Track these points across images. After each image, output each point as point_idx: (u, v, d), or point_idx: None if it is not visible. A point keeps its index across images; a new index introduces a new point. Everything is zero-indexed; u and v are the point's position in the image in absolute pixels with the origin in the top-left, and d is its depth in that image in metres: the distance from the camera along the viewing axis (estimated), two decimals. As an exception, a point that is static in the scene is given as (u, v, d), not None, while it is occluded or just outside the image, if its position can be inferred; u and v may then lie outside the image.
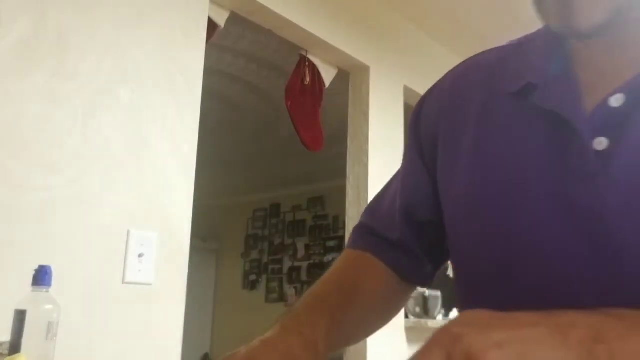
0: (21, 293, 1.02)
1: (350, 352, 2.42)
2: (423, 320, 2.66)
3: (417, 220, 0.71)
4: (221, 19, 2.07)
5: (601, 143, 0.50)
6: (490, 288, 0.60)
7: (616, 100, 0.50)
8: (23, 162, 1.37)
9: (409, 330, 2.63)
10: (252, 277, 6.72)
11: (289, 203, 6.52)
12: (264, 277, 6.62)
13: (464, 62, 0.71)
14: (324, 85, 2.58)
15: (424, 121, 0.70)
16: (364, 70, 2.62)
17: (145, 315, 1.57)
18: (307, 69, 2.50)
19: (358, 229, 0.78)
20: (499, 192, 0.57)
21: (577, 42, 0.55)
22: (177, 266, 1.66)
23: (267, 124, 4.44)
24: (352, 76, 2.69)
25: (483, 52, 0.69)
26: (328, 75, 2.59)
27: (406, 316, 2.66)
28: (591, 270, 0.50)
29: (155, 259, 1.60)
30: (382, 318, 0.74)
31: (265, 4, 2.09)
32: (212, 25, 1.99)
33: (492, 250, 0.58)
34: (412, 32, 2.93)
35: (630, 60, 0.51)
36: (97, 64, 1.54)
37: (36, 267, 1.02)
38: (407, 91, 2.84)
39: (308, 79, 2.49)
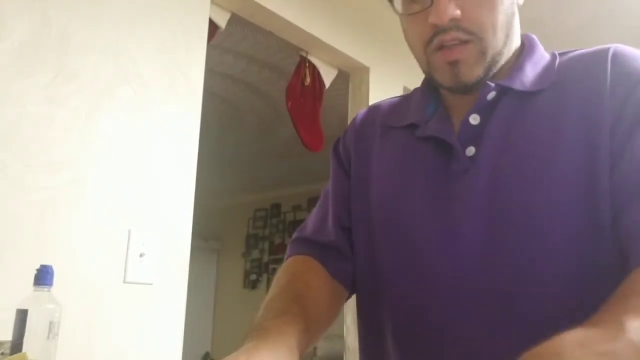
0: (22, 293, 1.03)
1: (350, 351, 2.43)
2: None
3: (346, 226, 0.86)
4: (222, 21, 2.08)
5: (470, 150, 0.73)
6: (371, 283, 0.80)
7: (473, 119, 0.74)
8: (24, 162, 1.38)
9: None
10: (253, 277, 6.72)
11: (289, 203, 6.53)
12: (265, 276, 6.62)
13: (369, 107, 0.94)
14: (324, 86, 2.59)
15: (342, 150, 0.91)
16: (364, 70, 2.63)
17: (146, 314, 1.57)
18: (308, 70, 2.51)
19: (292, 242, 0.90)
20: (391, 197, 0.79)
21: (445, 93, 0.79)
22: (178, 266, 1.67)
23: (267, 125, 4.45)
24: (352, 77, 2.70)
25: (382, 100, 0.93)
26: (328, 76, 2.60)
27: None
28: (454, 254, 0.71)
29: (156, 259, 1.61)
30: (329, 317, 0.81)
31: (265, 6, 2.09)
32: (213, 27, 1.99)
33: (371, 246, 0.80)
34: (412, 32, 2.94)
35: (473, 99, 0.74)
36: (98, 64, 1.55)
37: (37, 266, 1.02)
38: (407, 92, 2.84)
39: (308, 80, 2.50)
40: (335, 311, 0.82)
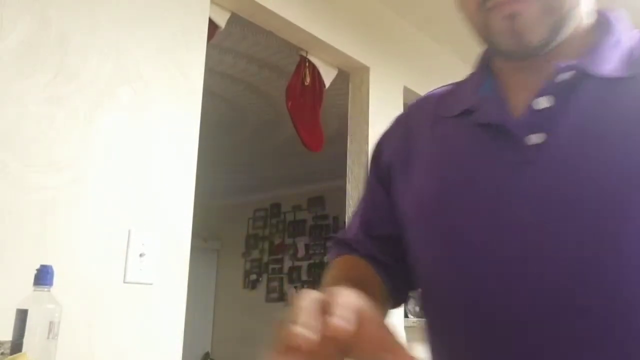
0: (23, 292, 1.03)
1: (350, 351, 2.42)
2: (423, 320, 2.66)
3: (377, 235, 0.82)
4: (222, 20, 2.08)
5: (538, 137, 0.63)
6: (434, 284, 0.72)
7: (538, 104, 0.64)
8: (25, 162, 1.38)
9: (409, 329, 2.64)
10: (253, 277, 6.72)
11: (289, 203, 6.53)
12: (265, 276, 6.62)
13: (418, 99, 0.86)
14: (324, 86, 2.59)
15: (385, 152, 0.84)
16: (364, 70, 2.63)
17: (146, 314, 1.57)
18: (308, 70, 2.50)
19: (336, 242, 0.87)
20: (448, 192, 0.70)
21: (506, 68, 0.71)
22: (178, 266, 1.67)
23: (267, 125, 4.45)
24: (352, 76, 2.70)
25: (430, 91, 0.84)
26: (328, 75, 2.60)
27: (406, 315, 2.67)
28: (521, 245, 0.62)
29: (156, 259, 1.61)
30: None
31: (265, 5, 2.09)
32: (212, 26, 1.99)
33: (434, 245, 0.70)
34: (412, 32, 2.94)
35: (540, 77, 0.66)
36: (98, 64, 1.55)
37: (37, 266, 1.02)
38: (407, 92, 2.84)
39: (308, 80, 2.50)
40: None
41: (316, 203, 6.23)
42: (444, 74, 3.11)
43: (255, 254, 6.81)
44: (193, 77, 1.79)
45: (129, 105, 1.61)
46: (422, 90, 2.89)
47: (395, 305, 0.80)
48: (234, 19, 2.15)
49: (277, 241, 6.62)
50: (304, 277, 6.24)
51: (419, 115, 0.80)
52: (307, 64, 2.51)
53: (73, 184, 1.46)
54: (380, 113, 2.65)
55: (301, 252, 6.34)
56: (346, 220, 2.58)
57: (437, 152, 0.73)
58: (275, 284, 6.49)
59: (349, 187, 2.60)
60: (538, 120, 0.63)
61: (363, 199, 0.87)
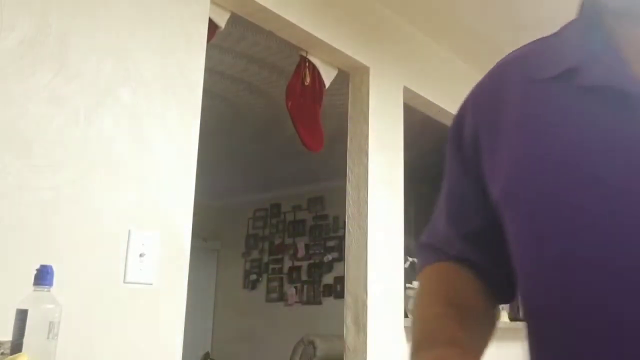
0: (22, 292, 1.03)
1: (350, 351, 2.42)
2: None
3: (469, 231, 0.68)
4: (222, 20, 2.08)
5: None
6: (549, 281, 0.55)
7: None
8: (25, 163, 1.38)
9: (409, 329, 2.63)
10: (253, 277, 6.72)
11: (289, 203, 6.53)
12: (265, 276, 6.62)
13: (499, 62, 0.68)
14: (324, 86, 2.59)
15: (466, 128, 0.67)
16: (364, 70, 2.63)
17: (146, 314, 1.57)
18: (308, 70, 2.50)
19: (423, 247, 0.74)
20: (561, 173, 0.53)
21: (616, 23, 0.55)
22: (178, 266, 1.67)
23: (267, 125, 4.45)
24: (352, 76, 2.70)
25: (517, 49, 0.67)
26: (328, 75, 2.60)
27: (406, 315, 2.67)
28: None
29: (156, 259, 1.61)
30: (488, 329, 0.67)
31: (265, 5, 2.09)
32: (212, 26, 1.99)
33: (554, 232, 0.53)
34: (412, 33, 2.94)
35: None
36: (98, 64, 1.55)
37: (37, 266, 1.02)
38: (407, 92, 2.84)
39: (308, 80, 2.50)
40: (489, 314, 0.68)
41: (316, 203, 6.23)
42: (444, 74, 3.12)
43: (255, 254, 6.81)
44: (193, 77, 1.79)
45: (129, 105, 1.60)
46: (422, 91, 2.89)
47: (503, 303, 0.71)
48: (234, 19, 2.15)
49: (277, 241, 6.62)
50: (304, 277, 6.24)
51: (506, 78, 0.64)
52: (307, 64, 2.51)
53: (73, 184, 1.46)
54: (380, 113, 2.65)
55: (301, 252, 6.34)
56: (346, 220, 2.58)
57: (535, 125, 0.57)
58: (275, 284, 6.49)
59: (349, 187, 2.60)
60: None
61: (445, 190, 0.72)
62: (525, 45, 0.65)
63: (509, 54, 0.67)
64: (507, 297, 0.69)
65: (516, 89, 0.60)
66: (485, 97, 0.66)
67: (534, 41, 0.65)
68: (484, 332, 0.64)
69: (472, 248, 0.68)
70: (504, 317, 3.36)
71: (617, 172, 0.49)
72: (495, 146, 0.61)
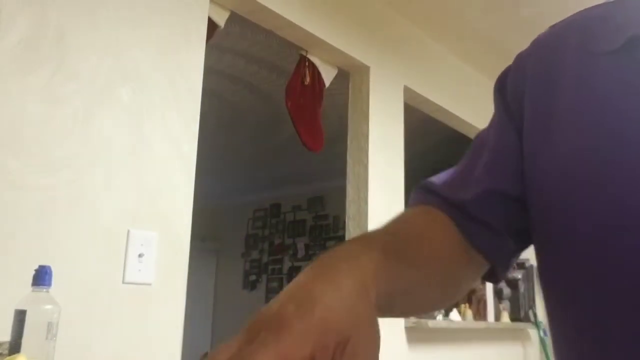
0: (21, 293, 1.03)
1: (350, 352, 2.42)
2: (423, 320, 2.66)
3: (500, 191, 0.58)
4: (221, 19, 2.07)
5: None
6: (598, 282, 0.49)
7: None
8: (23, 162, 1.37)
9: (409, 330, 2.63)
10: (252, 277, 6.72)
11: (289, 203, 6.53)
12: (264, 277, 6.62)
13: (554, 25, 0.61)
14: (324, 85, 2.58)
15: (510, 88, 0.61)
16: (364, 70, 2.63)
17: (145, 315, 1.57)
18: (307, 69, 2.50)
19: (415, 190, 0.65)
20: (619, 160, 0.48)
21: None
22: (177, 266, 1.66)
23: (267, 124, 4.44)
24: (352, 76, 2.70)
25: (578, 12, 0.59)
26: (328, 75, 2.59)
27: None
28: None
29: (155, 259, 1.60)
30: (443, 290, 0.57)
31: (265, 4, 2.09)
32: (212, 26, 1.99)
33: (610, 231, 0.48)
34: (412, 32, 2.94)
35: None
36: (97, 64, 1.55)
37: (36, 267, 1.02)
38: (407, 91, 2.84)
39: (308, 79, 2.49)
40: (466, 278, 0.59)
41: (316, 203, 6.23)
42: (444, 73, 3.11)
43: (254, 254, 6.81)
44: (192, 76, 1.79)
45: (128, 104, 1.60)
46: (422, 90, 2.89)
47: (485, 279, 0.62)
48: (234, 18, 2.15)
49: (276, 241, 6.62)
50: (304, 277, 6.23)
51: (556, 49, 0.57)
52: (307, 64, 2.51)
53: (72, 184, 1.45)
54: (380, 113, 2.64)
55: (301, 253, 6.34)
56: (346, 220, 2.58)
57: (591, 105, 0.52)
58: (275, 284, 6.49)
59: (349, 187, 2.59)
60: None
61: (493, 141, 0.61)
62: (582, 11, 0.59)
63: (568, 20, 0.60)
64: (493, 276, 0.61)
65: (574, 60, 0.55)
66: (536, 63, 0.59)
67: (596, 6, 0.58)
68: (425, 283, 0.53)
69: (491, 205, 0.58)
70: (504, 317, 3.35)
71: None
72: (551, 126, 0.54)
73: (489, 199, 0.58)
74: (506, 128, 0.60)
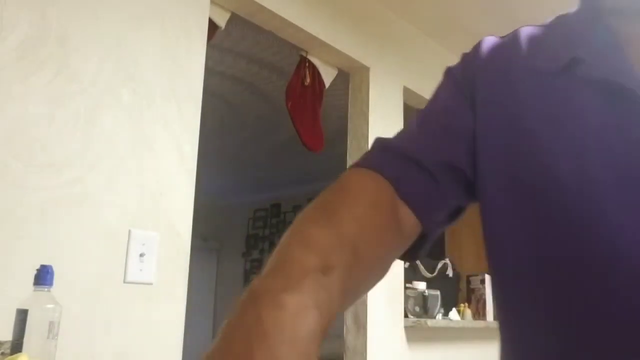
0: (23, 293, 1.03)
1: (350, 351, 2.43)
2: (422, 320, 2.67)
3: (459, 167, 0.60)
4: (222, 20, 2.08)
5: None
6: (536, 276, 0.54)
7: None
8: (25, 163, 1.38)
9: (409, 329, 2.64)
10: (253, 277, 6.69)
11: (289, 203, 6.53)
12: (265, 276, 6.62)
13: (499, 41, 0.66)
14: (324, 86, 2.59)
15: (463, 79, 0.65)
16: (364, 70, 2.63)
17: (146, 314, 1.57)
18: (307, 70, 2.51)
19: (378, 151, 0.65)
20: (556, 168, 0.53)
21: (620, 20, 0.55)
22: (178, 266, 1.67)
23: (267, 125, 4.45)
24: (352, 76, 2.70)
25: (522, 29, 0.64)
26: (328, 75, 2.60)
27: (406, 315, 2.67)
28: None
29: (157, 259, 1.61)
30: (377, 280, 0.58)
31: (265, 5, 2.09)
32: (212, 26, 1.99)
33: (546, 232, 0.53)
34: (412, 33, 2.94)
35: None
36: (99, 65, 1.55)
37: (38, 266, 1.03)
38: (407, 92, 2.84)
39: (308, 80, 2.50)
40: (394, 258, 0.59)
41: (316, 203, 6.22)
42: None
43: (255, 254, 6.81)
44: (193, 77, 1.79)
45: (129, 105, 1.61)
46: (422, 91, 2.89)
47: (405, 257, 0.62)
48: (234, 19, 2.15)
49: (277, 241, 6.57)
50: (304, 277, 6.24)
51: (506, 62, 0.62)
52: (307, 64, 2.52)
53: (73, 184, 1.46)
54: (380, 113, 2.65)
55: (301, 252, 6.33)
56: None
57: (535, 117, 0.56)
58: (275, 284, 6.48)
59: (349, 187, 2.59)
60: None
61: (444, 115, 0.64)
62: (524, 29, 0.63)
63: (512, 36, 0.64)
64: (412, 253, 0.62)
65: (524, 76, 0.59)
66: (491, 68, 0.63)
67: (532, 27, 0.63)
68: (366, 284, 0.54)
69: (448, 176, 0.60)
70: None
71: (611, 174, 0.50)
72: (505, 119, 0.58)
73: (448, 170, 0.60)
74: (463, 110, 0.62)
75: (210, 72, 1.97)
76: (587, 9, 0.58)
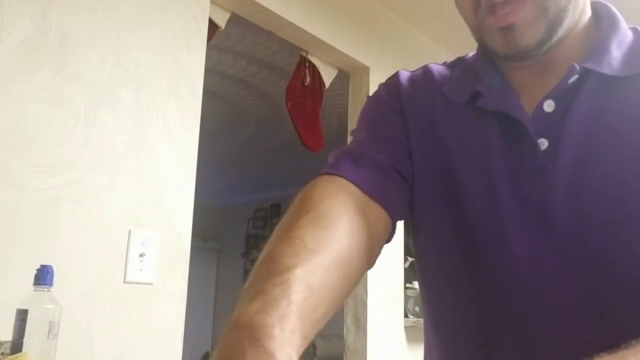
0: (23, 292, 1.03)
1: (350, 352, 2.43)
2: (422, 320, 2.67)
3: (406, 176, 0.71)
4: (222, 20, 2.08)
5: (543, 143, 0.61)
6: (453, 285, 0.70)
7: (548, 106, 0.62)
8: (25, 163, 1.38)
9: (409, 329, 2.64)
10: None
11: (289, 203, 6.52)
12: (265, 277, 6.62)
13: (419, 70, 0.77)
14: (324, 86, 2.59)
15: (392, 98, 0.75)
16: (364, 70, 2.63)
17: (147, 314, 1.57)
18: (308, 70, 2.51)
19: (349, 155, 0.74)
20: (462, 183, 0.66)
21: (508, 65, 0.67)
22: (178, 266, 1.67)
23: (267, 125, 4.45)
24: (352, 76, 2.70)
25: (429, 65, 0.77)
26: (328, 75, 2.60)
27: (406, 315, 2.67)
28: (543, 258, 0.60)
29: (157, 259, 1.61)
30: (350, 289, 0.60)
31: (265, 5, 2.09)
32: (212, 27, 1.99)
33: (458, 243, 0.67)
34: (412, 32, 2.94)
35: (550, 78, 0.63)
36: (99, 65, 1.55)
37: (38, 266, 1.03)
38: (407, 92, 2.84)
39: (308, 80, 2.50)
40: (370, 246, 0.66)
41: (316, 203, 6.22)
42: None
43: (255, 254, 6.81)
44: (193, 77, 1.79)
45: (129, 105, 1.61)
46: (422, 90, 2.89)
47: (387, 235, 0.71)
48: (234, 19, 2.15)
49: (275, 242, 6.62)
50: (304, 277, 6.24)
51: (425, 88, 0.73)
52: (307, 64, 2.52)
53: (73, 184, 1.46)
54: (380, 113, 2.64)
55: (301, 252, 6.33)
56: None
57: (446, 143, 0.68)
58: (275, 284, 6.48)
59: (349, 187, 2.59)
60: (545, 125, 0.61)
61: (384, 131, 0.74)
62: (434, 66, 0.76)
63: (427, 69, 0.76)
64: (396, 211, 0.70)
65: (439, 103, 0.71)
66: (412, 93, 0.74)
67: (439, 65, 0.77)
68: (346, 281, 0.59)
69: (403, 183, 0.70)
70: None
71: (483, 195, 0.64)
72: (426, 142, 0.70)
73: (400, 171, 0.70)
74: (399, 125, 0.72)
75: (210, 72, 1.97)
76: (484, 54, 0.70)
